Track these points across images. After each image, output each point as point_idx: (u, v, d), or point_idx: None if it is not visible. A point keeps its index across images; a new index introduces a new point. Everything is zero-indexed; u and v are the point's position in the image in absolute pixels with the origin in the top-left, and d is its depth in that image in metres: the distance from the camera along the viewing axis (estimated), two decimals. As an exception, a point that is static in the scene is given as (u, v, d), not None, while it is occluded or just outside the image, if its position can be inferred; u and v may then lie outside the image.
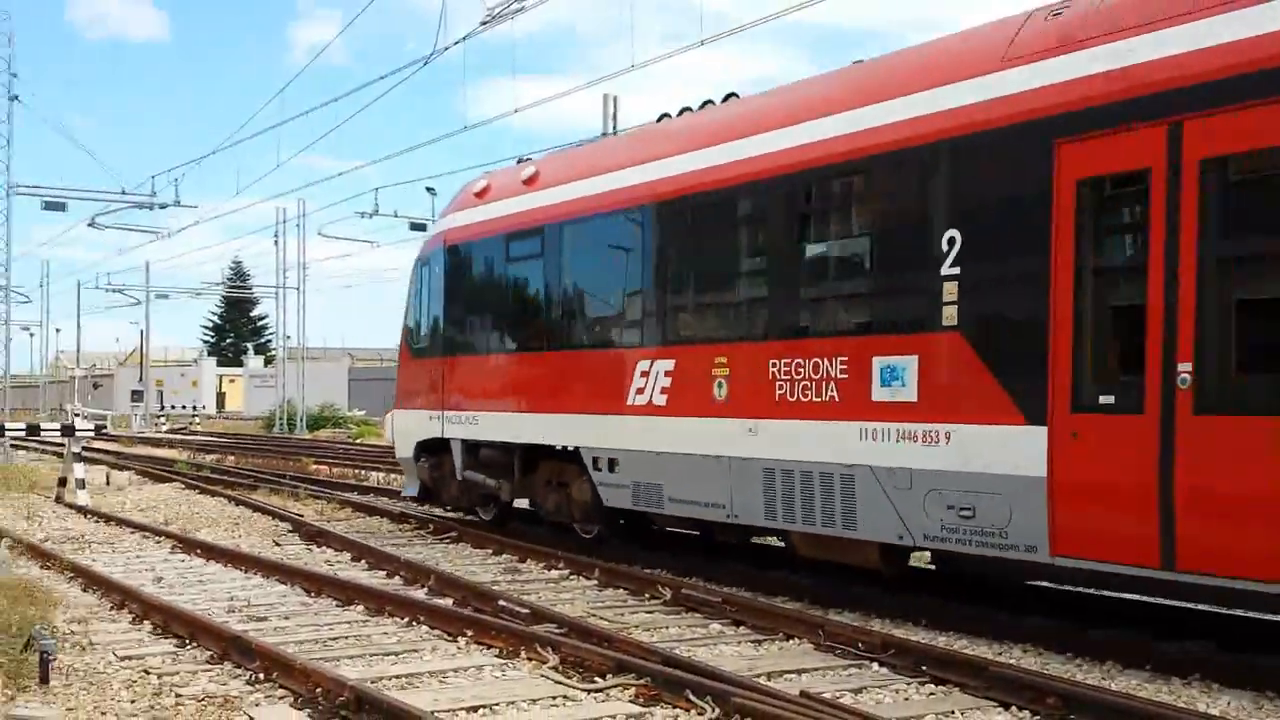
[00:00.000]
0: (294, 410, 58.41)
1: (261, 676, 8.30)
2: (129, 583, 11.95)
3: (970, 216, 9.27)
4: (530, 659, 8.82)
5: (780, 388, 10.78)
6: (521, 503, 15.50)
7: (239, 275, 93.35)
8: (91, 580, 12.39)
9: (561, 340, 13.88)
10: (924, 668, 8.48)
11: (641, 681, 7.94)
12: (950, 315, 9.32)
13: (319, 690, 7.70)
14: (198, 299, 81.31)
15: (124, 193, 34.76)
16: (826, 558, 11.03)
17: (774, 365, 10.85)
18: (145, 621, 10.39)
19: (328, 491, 21.90)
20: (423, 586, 12.13)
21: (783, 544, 12.29)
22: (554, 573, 13.11)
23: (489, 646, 9.30)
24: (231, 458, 34.57)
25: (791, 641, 9.55)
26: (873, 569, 10.63)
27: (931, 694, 8.13)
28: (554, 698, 7.85)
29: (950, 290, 9.31)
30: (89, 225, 37.06)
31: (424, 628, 10.10)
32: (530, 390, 14.24)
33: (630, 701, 7.73)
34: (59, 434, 23.96)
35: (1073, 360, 8.55)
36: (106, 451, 35.24)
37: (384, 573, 13.24)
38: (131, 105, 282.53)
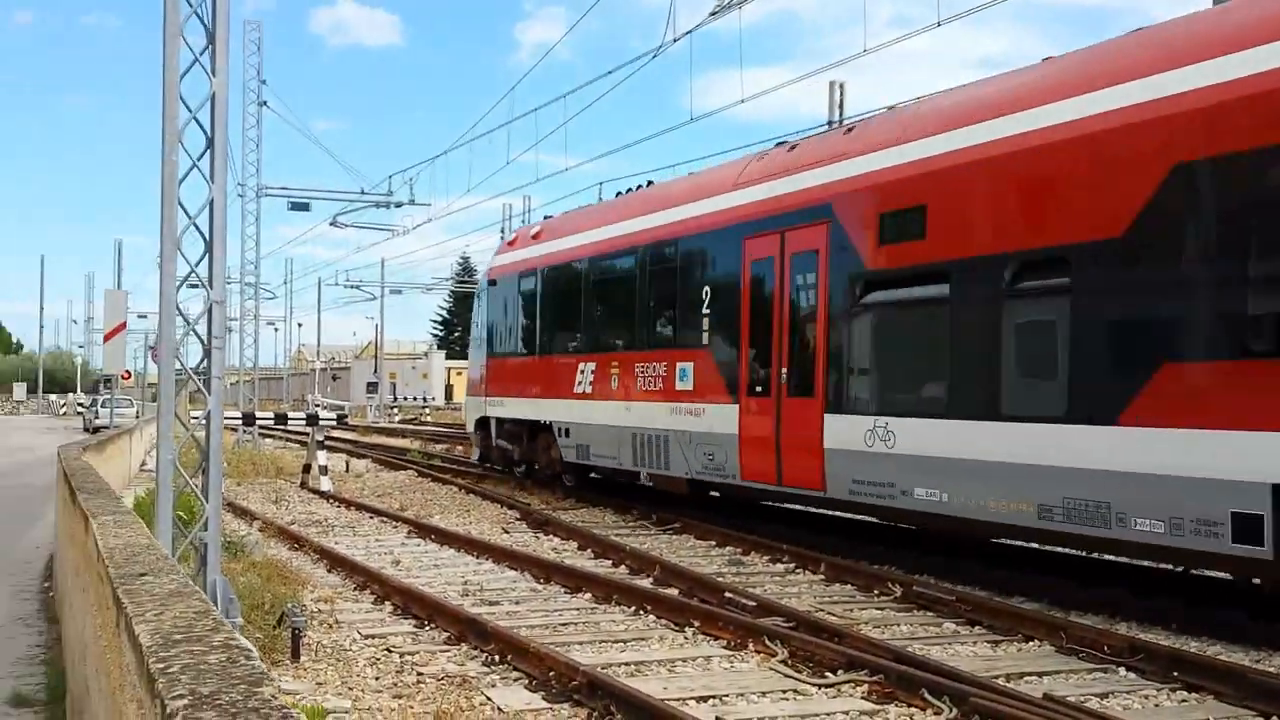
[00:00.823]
0: (518, 402, 59.71)
1: (497, 658, 8.50)
2: (370, 565, 12.48)
3: (713, 278, 15.33)
4: (758, 651, 8.75)
5: (640, 382, 16.77)
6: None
7: (467, 270, 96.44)
8: (336, 562, 12.99)
9: (544, 348, 20.25)
10: (1175, 673, 8.03)
11: (875, 679, 7.76)
12: (705, 339, 15.39)
13: (552, 674, 7.83)
14: (428, 294, 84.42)
15: (363, 193, 36.24)
16: (664, 488, 16.87)
17: (638, 367, 16.86)
18: (386, 602, 10.81)
19: (551, 481, 22.33)
20: (648, 576, 12.22)
21: (647, 484, 17.48)
22: (779, 566, 13.00)
23: (716, 637, 9.28)
24: (460, 447, 35.70)
25: (1031, 643, 9.17)
26: (682, 494, 16.48)
27: (1183, 701, 7.68)
28: (784, 691, 7.75)
29: (705, 324, 15.35)
30: (330, 224, 38.78)
31: (651, 617, 10.16)
32: (530, 383, 20.58)
33: (863, 698, 7.56)
34: (305, 423, 25.27)
35: (748, 366, 14.42)
36: (344, 440, 36.98)
37: (610, 562, 13.41)
38: (371, 109, 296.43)
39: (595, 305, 18.58)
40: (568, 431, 18.88)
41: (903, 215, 11.88)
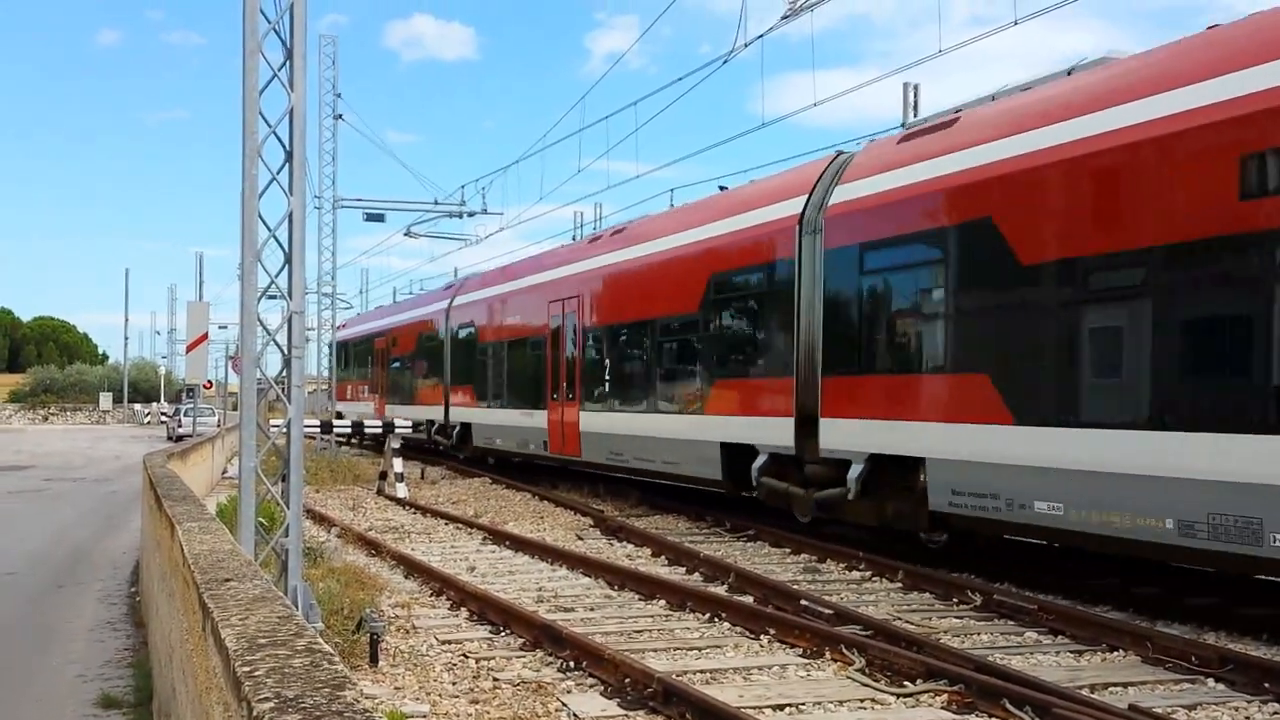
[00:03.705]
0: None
1: (572, 665, 8.51)
2: (446, 571, 12.57)
3: (375, 352, 40.00)
4: (835, 660, 8.66)
5: (364, 393, 41.15)
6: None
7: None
8: (412, 568, 13.10)
9: (347, 378, 44.46)
10: (1267, 685, 7.81)
11: (954, 688, 7.64)
12: (372, 376, 40.42)
13: (627, 680, 7.82)
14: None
15: (436, 203, 36.70)
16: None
17: (362, 387, 41.67)
18: (462, 608, 10.88)
19: (625, 489, 22.36)
20: (723, 583, 12.16)
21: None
22: (855, 574, 12.88)
23: (792, 645, 9.21)
24: (534, 455, 35.85)
25: (1116, 653, 8.99)
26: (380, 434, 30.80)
27: (1275, 713, 7.47)
28: (862, 700, 7.66)
29: (371, 370, 40.68)
30: (405, 235, 39.27)
31: (726, 624, 10.11)
32: (345, 394, 44.14)
33: (942, 708, 7.45)
34: (381, 431, 25.63)
35: (380, 388, 39.15)
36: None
37: (684, 569, 13.37)
38: (444, 121, 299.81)
39: (355, 360, 42.12)
40: (351, 415, 37.43)
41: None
